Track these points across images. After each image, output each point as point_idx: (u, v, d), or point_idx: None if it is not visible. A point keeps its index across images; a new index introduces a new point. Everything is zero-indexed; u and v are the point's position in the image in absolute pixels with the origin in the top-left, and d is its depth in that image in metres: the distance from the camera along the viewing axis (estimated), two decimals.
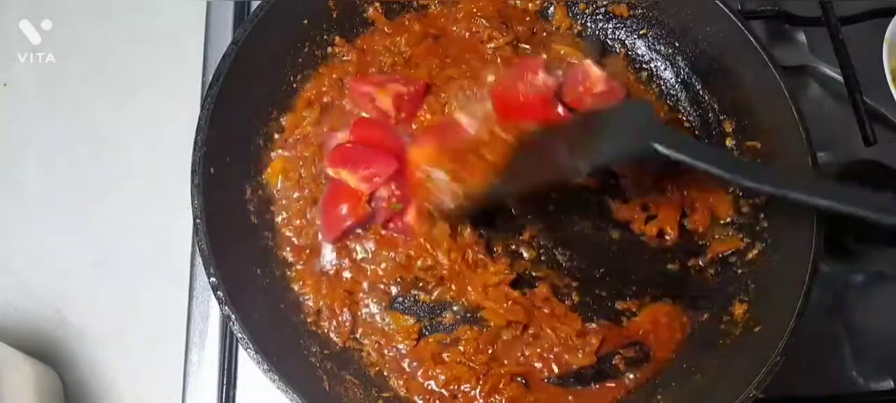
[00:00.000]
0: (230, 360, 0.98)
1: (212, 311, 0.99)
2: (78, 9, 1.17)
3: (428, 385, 0.91)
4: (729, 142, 1.03)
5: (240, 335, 0.81)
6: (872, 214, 0.74)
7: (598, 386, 0.92)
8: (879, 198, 0.75)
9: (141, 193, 1.07)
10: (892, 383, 1.02)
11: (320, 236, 0.96)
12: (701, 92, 1.06)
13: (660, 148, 0.80)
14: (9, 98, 1.13)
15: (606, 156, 0.87)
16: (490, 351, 0.92)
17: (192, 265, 1.01)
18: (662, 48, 1.08)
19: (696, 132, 1.06)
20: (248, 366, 0.96)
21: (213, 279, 0.82)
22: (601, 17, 1.10)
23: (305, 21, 1.02)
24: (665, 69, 1.09)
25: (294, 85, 1.02)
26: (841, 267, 1.08)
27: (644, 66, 1.09)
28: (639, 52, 1.10)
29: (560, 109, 1.00)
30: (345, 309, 0.93)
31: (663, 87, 1.09)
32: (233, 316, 0.81)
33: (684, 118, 1.07)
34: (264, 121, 0.99)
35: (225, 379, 0.97)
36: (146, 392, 0.98)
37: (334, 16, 1.04)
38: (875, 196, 0.76)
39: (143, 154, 1.09)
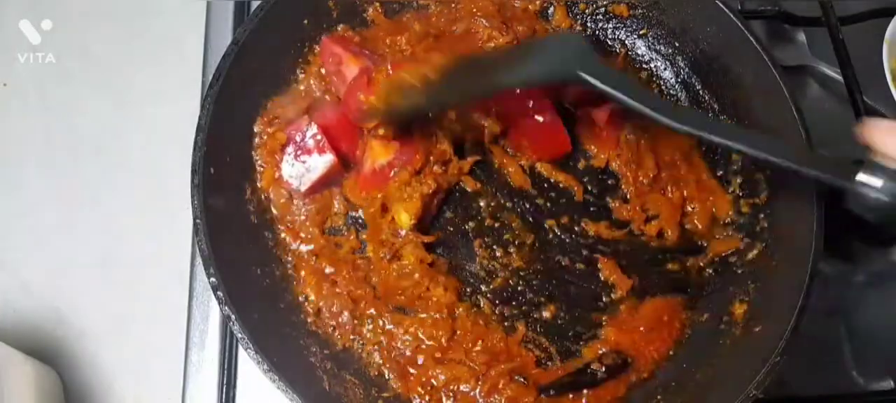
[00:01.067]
0: (230, 360, 0.98)
1: (212, 311, 0.99)
2: (78, 9, 1.17)
3: (428, 385, 0.91)
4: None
5: (240, 335, 0.81)
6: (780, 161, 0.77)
7: (600, 386, 0.92)
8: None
9: (141, 193, 1.07)
10: (892, 383, 1.02)
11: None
12: (701, 92, 1.06)
13: (584, 76, 0.83)
14: (9, 98, 1.13)
15: (531, 77, 0.90)
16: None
17: (192, 265, 1.01)
18: (662, 48, 1.08)
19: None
20: (248, 366, 0.96)
21: (213, 279, 0.82)
22: (601, 17, 1.10)
23: (306, 21, 1.02)
24: (665, 69, 1.09)
25: (294, 84, 1.02)
26: (841, 267, 1.08)
27: (644, 66, 1.09)
28: (639, 52, 1.10)
29: (544, 116, 1.00)
30: (344, 310, 0.93)
31: (663, 88, 1.09)
32: (233, 316, 0.81)
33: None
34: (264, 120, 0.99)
35: (225, 379, 0.97)
36: (146, 392, 0.98)
37: (334, 15, 1.04)
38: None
39: (143, 154, 1.09)
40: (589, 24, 1.11)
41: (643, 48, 1.09)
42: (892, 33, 1.10)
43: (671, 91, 1.08)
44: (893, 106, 1.09)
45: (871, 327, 1.05)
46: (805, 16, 1.20)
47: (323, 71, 1.02)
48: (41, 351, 0.97)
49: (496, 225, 1.00)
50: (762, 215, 0.97)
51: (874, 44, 1.10)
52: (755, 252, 0.96)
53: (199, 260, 0.98)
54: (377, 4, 1.06)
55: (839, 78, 1.11)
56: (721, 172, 1.02)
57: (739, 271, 0.97)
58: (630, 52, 1.10)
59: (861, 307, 1.07)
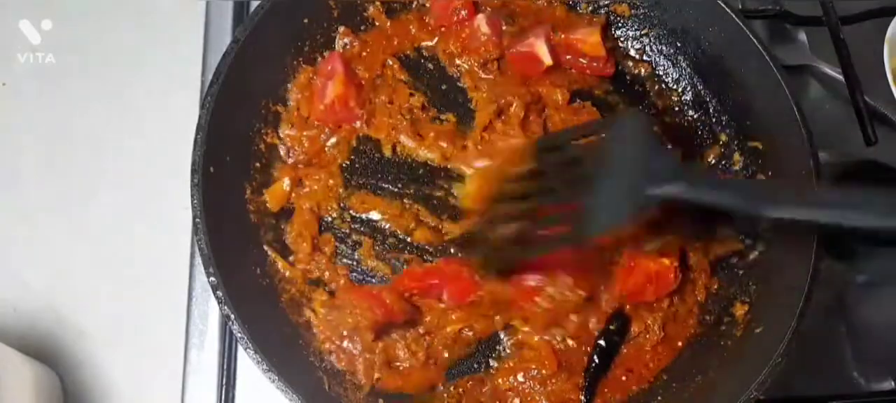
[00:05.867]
0: (230, 360, 0.97)
1: (211, 311, 0.99)
2: (78, 9, 1.17)
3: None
4: (728, 143, 1.03)
5: (239, 335, 0.80)
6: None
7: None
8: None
9: (141, 193, 1.06)
10: (893, 383, 1.02)
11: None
12: (702, 92, 1.06)
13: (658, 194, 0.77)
14: (9, 98, 1.13)
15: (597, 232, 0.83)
16: None
17: (192, 265, 1.01)
18: (664, 48, 1.08)
19: (699, 132, 1.06)
20: (248, 367, 0.96)
21: (212, 279, 0.82)
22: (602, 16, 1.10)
23: (306, 20, 1.02)
24: (667, 69, 1.09)
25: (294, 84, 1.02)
26: (842, 267, 1.08)
27: (646, 66, 1.09)
28: (640, 52, 1.10)
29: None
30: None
31: (665, 88, 1.08)
32: (232, 316, 0.81)
33: (686, 119, 1.07)
34: (264, 120, 0.98)
35: (224, 380, 0.96)
36: (146, 392, 0.98)
37: (335, 15, 1.04)
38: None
39: (142, 153, 1.09)
40: None
41: (645, 48, 1.09)
42: (892, 33, 1.10)
43: (673, 92, 1.08)
44: (894, 105, 1.09)
45: (871, 327, 1.05)
46: (806, 15, 1.20)
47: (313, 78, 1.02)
48: (41, 352, 0.96)
49: None
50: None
51: (875, 43, 1.10)
52: (756, 253, 0.96)
53: (198, 260, 0.98)
54: (378, 3, 1.06)
55: (840, 77, 1.11)
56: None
57: (740, 272, 0.97)
58: (632, 53, 1.10)
59: (861, 307, 1.06)
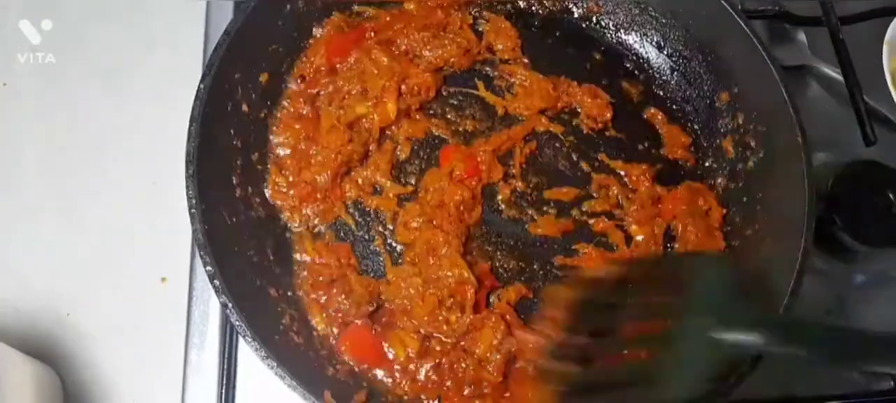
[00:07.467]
0: (230, 360, 0.97)
1: (212, 311, 0.99)
2: (78, 9, 1.17)
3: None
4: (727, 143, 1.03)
5: (237, 323, 0.80)
6: None
7: None
8: None
9: (141, 192, 1.06)
10: (892, 383, 1.02)
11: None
12: (702, 92, 1.06)
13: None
14: (9, 98, 1.13)
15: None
16: None
17: (192, 265, 1.01)
18: (663, 46, 1.08)
19: (698, 132, 1.06)
20: (248, 367, 0.96)
21: (209, 268, 0.82)
22: (605, 17, 1.10)
23: (301, 5, 1.01)
24: (665, 69, 1.09)
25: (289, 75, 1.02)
26: (841, 266, 1.08)
27: (645, 67, 1.09)
28: (637, 51, 1.10)
29: None
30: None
31: (665, 88, 1.08)
32: (230, 305, 0.81)
33: (686, 119, 1.07)
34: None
35: (225, 380, 0.96)
36: (146, 392, 0.98)
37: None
38: None
39: (143, 153, 1.09)
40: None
41: (643, 48, 1.09)
42: (892, 34, 1.10)
43: (671, 92, 1.08)
44: (893, 106, 1.09)
45: (871, 327, 1.05)
46: (806, 15, 1.20)
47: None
48: (41, 351, 0.96)
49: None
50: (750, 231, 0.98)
51: (874, 44, 1.10)
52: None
53: (198, 261, 0.98)
54: None
55: (839, 78, 1.11)
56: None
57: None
58: (629, 51, 1.10)
59: (862, 307, 1.06)
